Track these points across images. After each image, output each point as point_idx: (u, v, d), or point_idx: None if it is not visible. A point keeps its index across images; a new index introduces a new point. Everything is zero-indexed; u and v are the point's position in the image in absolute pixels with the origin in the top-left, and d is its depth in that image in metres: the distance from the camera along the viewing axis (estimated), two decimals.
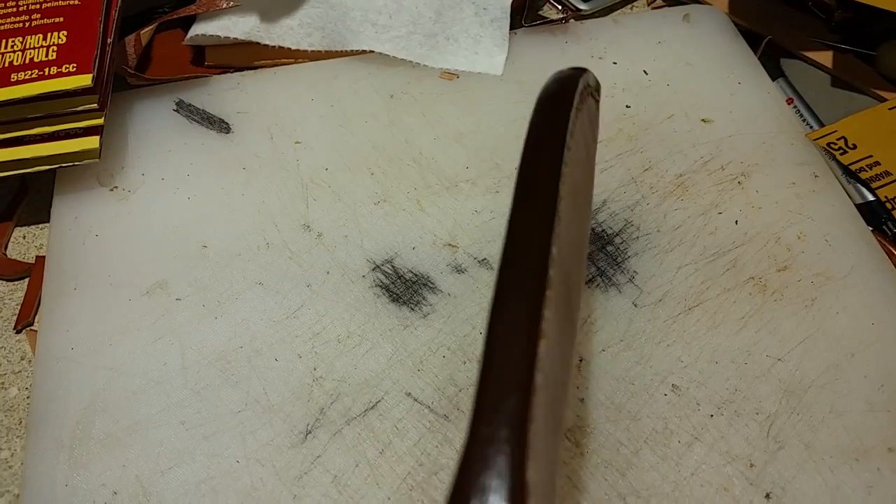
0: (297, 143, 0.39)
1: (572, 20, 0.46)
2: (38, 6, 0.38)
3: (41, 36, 0.37)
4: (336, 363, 0.32)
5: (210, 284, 0.34)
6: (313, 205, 0.37)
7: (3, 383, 0.34)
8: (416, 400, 0.31)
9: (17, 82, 0.35)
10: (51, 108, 0.36)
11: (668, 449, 0.30)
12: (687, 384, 0.31)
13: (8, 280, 0.37)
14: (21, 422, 0.33)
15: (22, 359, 0.35)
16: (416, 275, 0.35)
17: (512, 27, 0.44)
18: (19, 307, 0.36)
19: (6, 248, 0.38)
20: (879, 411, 0.31)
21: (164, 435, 0.30)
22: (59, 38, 0.37)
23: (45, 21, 0.37)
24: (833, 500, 0.29)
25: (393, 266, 0.35)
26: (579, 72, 0.23)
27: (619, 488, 0.29)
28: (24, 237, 0.39)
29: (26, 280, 0.37)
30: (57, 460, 0.29)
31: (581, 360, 0.32)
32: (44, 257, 0.37)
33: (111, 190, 0.38)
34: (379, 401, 0.31)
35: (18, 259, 0.38)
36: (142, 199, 0.37)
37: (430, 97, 0.41)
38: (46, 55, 0.36)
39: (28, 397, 0.33)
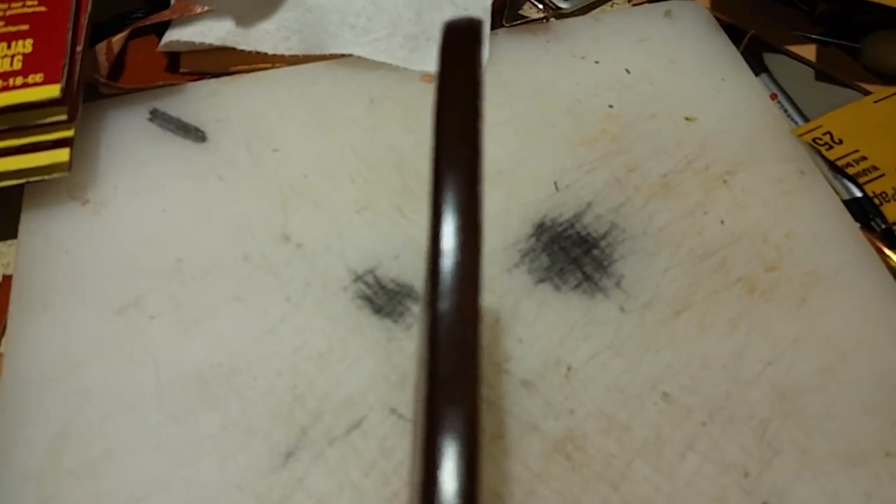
0: (276, 150, 0.38)
1: (553, 19, 0.45)
2: (1, 14, 0.37)
3: (5, 45, 0.35)
4: (317, 380, 0.31)
5: (185, 301, 0.33)
6: (292, 214, 0.36)
7: None
8: (400, 416, 0.30)
9: None
10: (17, 120, 0.34)
11: (662, 460, 0.29)
12: (678, 391, 0.31)
13: None
14: None
15: None
16: (399, 285, 0.34)
17: (493, 27, 0.43)
18: None
19: None
20: (875, 414, 0.31)
21: (138, 462, 0.29)
22: (24, 46, 0.35)
23: (10, 29, 0.36)
24: None
25: (375, 276, 0.34)
26: (478, 23, 0.21)
27: (612, 502, 0.28)
28: None
29: None
30: (25, 492, 0.28)
31: (569, 369, 0.31)
32: (10, 276, 0.36)
33: (83, 204, 0.36)
34: (363, 419, 0.30)
35: None
36: (114, 212, 0.36)
37: (412, 100, 0.40)
38: (11, 65, 0.35)
39: None
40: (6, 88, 0.34)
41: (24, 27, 0.36)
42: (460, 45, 0.21)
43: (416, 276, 0.34)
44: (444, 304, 0.18)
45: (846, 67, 0.44)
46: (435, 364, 0.17)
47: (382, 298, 0.33)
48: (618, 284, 0.34)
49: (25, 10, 0.37)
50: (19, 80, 0.34)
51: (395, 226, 0.36)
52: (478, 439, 0.17)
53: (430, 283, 0.18)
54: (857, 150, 0.39)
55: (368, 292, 0.34)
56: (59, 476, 0.28)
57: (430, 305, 0.18)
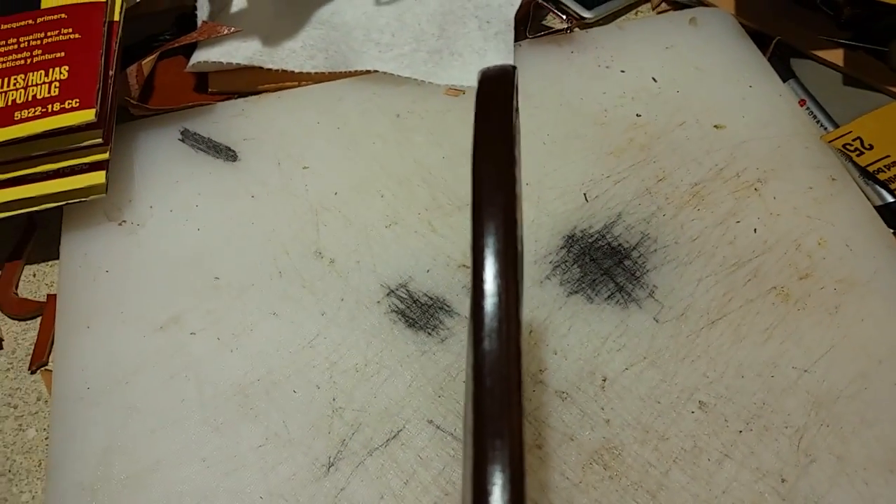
0: (305, 167, 0.39)
1: (577, 29, 0.45)
2: (38, 42, 0.38)
3: (43, 72, 0.37)
4: (355, 393, 0.32)
5: (224, 317, 0.34)
6: (324, 230, 0.37)
7: (21, 425, 0.33)
8: (438, 427, 0.31)
9: (21, 120, 0.35)
10: (55, 144, 0.35)
11: (698, 468, 0.29)
12: (714, 400, 0.31)
13: (20, 320, 0.37)
14: (40, 463, 0.32)
15: (38, 399, 0.34)
16: (431, 298, 0.34)
17: (516, 39, 0.43)
18: (33, 347, 0.36)
19: (17, 286, 0.38)
20: None
21: (185, 474, 0.30)
22: (60, 73, 0.36)
23: (47, 57, 0.37)
24: None
25: (408, 290, 0.35)
26: (512, 70, 0.22)
27: None
28: (35, 275, 0.38)
29: (38, 319, 0.37)
30: (80, 503, 0.29)
31: (605, 380, 0.31)
32: (55, 295, 0.37)
33: (119, 224, 0.37)
34: (401, 430, 0.31)
35: (30, 298, 0.37)
36: (151, 232, 0.37)
37: (437, 114, 0.41)
38: (49, 91, 0.36)
39: (46, 438, 0.33)
40: (45, 114, 0.35)
41: (61, 54, 0.37)
42: (495, 95, 0.21)
43: (447, 289, 0.34)
44: (489, 344, 0.18)
45: (874, 71, 0.44)
46: (480, 398, 0.18)
47: (416, 312, 0.34)
48: (651, 295, 0.34)
49: (61, 37, 0.38)
50: (57, 106, 0.35)
51: (425, 240, 0.36)
52: (523, 471, 0.17)
53: (474, 323, 0.19)
54: (888, 156, 0.39)
55: (402, 306, 0.34)
56: (111, 487, 0.29)
57: (475, 346, 0.18)
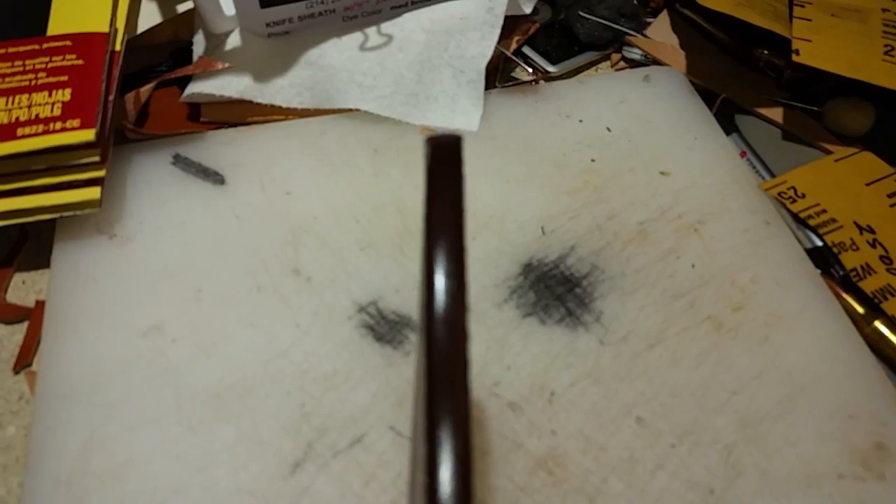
0: (288, 193, 0.42)
1: (542, 81, 0.49)
2: (43, 66, 0.41)
3: (46, 93, 0.39)
4: (323, 399, 0.34)
5: (204, 326, 0.36)
6: (303, 250, 0.39)
7: (0, 423, 0.35)
8: (398, 433, 0.33)
9: (24, 136, 0.37)
10: (55, 160, 0.38)
11: (634, 477, 0.32)
12: (650, 416, 0.34)
13: (7, 323, 0.39)
14: (18, 460, 0.34)
15: (20, 398, 0.36)
16: (399, 316, 0.37)
17: (486, 87, 0.47)
18: (18, 349, 0.38)
19: (6, 292, 0.40)
20: (830, 440, 0.34)
21: (159, 469, 0.32)
22: (63, 95, 0.39)
23: (51, 79, 0.40)
24: None
25: (377, 307, 0.37)
26: (458, 139, 0.26)
27: None
28: (24, 282, 0.41)
29: (25, 323, 0.39)
30: (55, 495, 0.31)
31: (552, 394, 0.34)
32: (43, 301, 0.39)
33: (110, 238, 0.40)
34: (364, 435, 0.33)
35: (18, 303, 0.39)
36: (139, 246, 0.39)
37: (412, 150, 0.44)
38: (51, 111, 0.39)
39: (26, 435, 0.35)
40: (47, 132, 0.38)
41: (64, 78, 0.40)
42: (445, 163, 0.24)
43: (414, 308, 0.37)
44: (439, 328, 0.21)
45: (810, 129, 0.49)
46: (432, 376, 0.20)
47: (384, 327, 0.37)
48: (597, 320, 0.37)
49: (65, 62, 0.41)
50: (59, 125, 0.38)
51: (395, 263, 0.39)
52: (470, 437, 0.20)
53: (426, 310, 0.22)
54: (818, 204, 0.43)
55: (371, 322, 0.37)
56: (86, 480, 0.31)
57: (426, 329, 0.21)
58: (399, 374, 0.35)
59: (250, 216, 0.41)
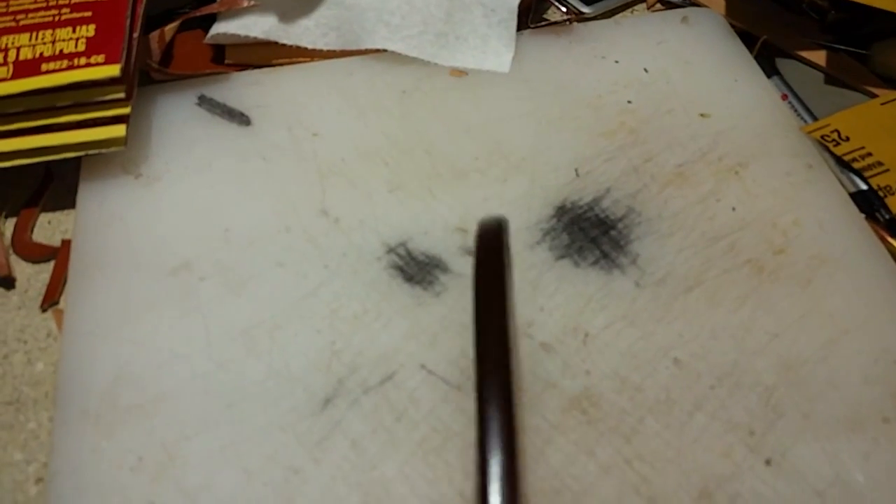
0: (315, 135, 0.41)
1: (576, 23, 0.48)
2: (67, 2, 0.40)
3: (70, 29, 0.39)
4: (353, 338, 0.33)
5: (232, 265, 0.36)
6: (330, 192, 0.39)
7: (29, 359, 0.35)
8: (430, 372, 0.32)
9: (48, 72, 0.37)
10: (79, 97, 0.37)
11: (671, 418, 0.31)
12: (688, 358, 0.33)
13: (34, 262, 0.39)
14: (47, 395, 0.34)
15: (48, 336, 0.36)
16: (428, 257, 0.36)
17: (518, 28, 0.46)
18: (45, 287, 0.37)
19: (32, 232, 0.40)
20: (874, 384, 0.32)
21: (188, 404, 0.31)
22: (87, 31, 0.39)
23: (74, 15, 0.39)
24: (832, 467, 0.30)
25: (406, 249, 0.37)
26: (503, 224, 0.29)
27: (624, 453, 0.30)
28: (50, 222, 0.40)
29: (51, 263, 0.38)
30: (84, 428, 0.31)
31: (587, 335, 0.33)
32: (69, 241, 0.38)
33: (136, 178, 0.39)
34: (394, 373, 0.32)
35: (44, 243, 0.39)
36: (166, 186, 0.39)
37: (441, 93, 0.43)
38: (76, 47, 0.38)
39: (54, 372, 0.35)
40: (71, 67, 0.37)
41: (88, 14, 0.39)
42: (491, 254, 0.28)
43: (444, 249, 0.37)
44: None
45: (854, 72, 0.47)
46: None
47: (413, 268, 0.36)
48: (633, 262, 0.36)
49: None
50: (83, 61, 0.37)
51: (424, 205, 0.38)
52: None
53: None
54: (863, 147, 0.41)
55: (400, 263, 0.36)
56: (114, 415, 0.31)
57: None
58: (429, 314, 0.34)
59: (277, 158, 0.40)
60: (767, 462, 0.30)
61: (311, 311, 0.34)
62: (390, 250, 0.37)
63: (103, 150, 0.38)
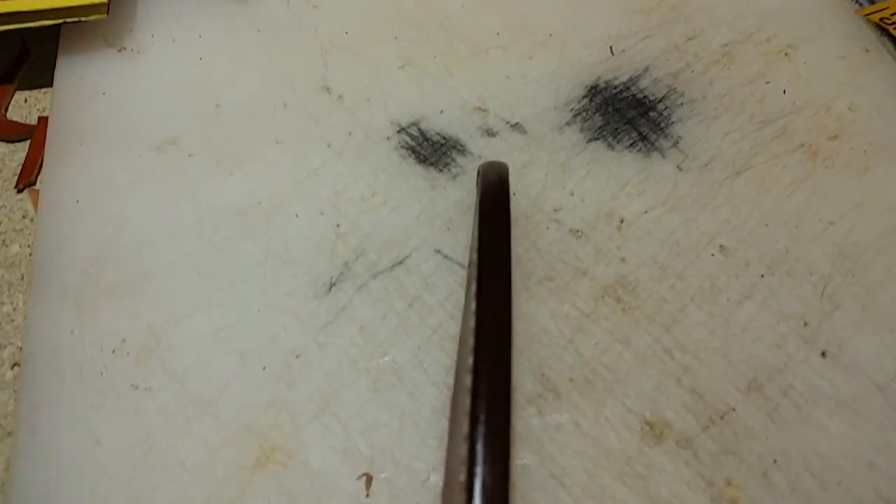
0: (315, 6, 0.37)
1: None
2: None
3: None
4: (360, 220, 0.30)
5: (225, 142, 0.32)
6: (333, 67, 0.35)
7: (3, 241, 0.32)
8: (445, 257, 0.29)
9: None
10: None
11: (717, 306, 0.28)
12: (736, 245, 0.29)
13: (8, 141, 0.35)
14: (23, 277, 0.31)
15: (24, 217, 0.33)
16: (444, 137, 0.33)
17: None
18: (20, 167, 0.34)
19: (6, 110, 0.36)
20: None
21: (177, 285, 0.28)
22: None
23: None
24: (893, 361, 0.27)
25: (419, 128, 0.33)
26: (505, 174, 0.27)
27: (663, 343, 0.27)
28: (26, 100, 0.36)
29: (27, 142, 0.35)
30: (62, 309, 0.28)
31: (622, 221, 0.30)
32: (46, 117, 0.35)
33: (119, 51, 0.35)
34: (406, 257, 0.29)
35: (19, 121, 0.35)
36: (151, 58, 0.35)
37: None
38: None
39: (30, 254, 0.31)
40: None
41: None
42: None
43: (461, 129, 0.33)
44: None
45: None
46: None
47: (427, 150, 0.32)
48: (675, 145, 0.32)
49: None
50: None
51: (439, 82, 0.34)
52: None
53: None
54: None
55: (412, 143, 0.32)
56: (95, 294, 0.28)
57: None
58: (445, 197, 0.31)
59: (274, 30, 0.36)
60: (823, 354, 0.27)
61: (312, 193, 0.31)
62: (401, 130, 0.33)
63: (83, 19, 0.34)
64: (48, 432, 0.25)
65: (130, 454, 0.24)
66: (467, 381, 0.21)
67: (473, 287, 0.24)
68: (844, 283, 0.29)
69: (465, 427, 0.20)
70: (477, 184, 0.28)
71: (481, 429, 0.19)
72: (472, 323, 0.23)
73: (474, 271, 0.24)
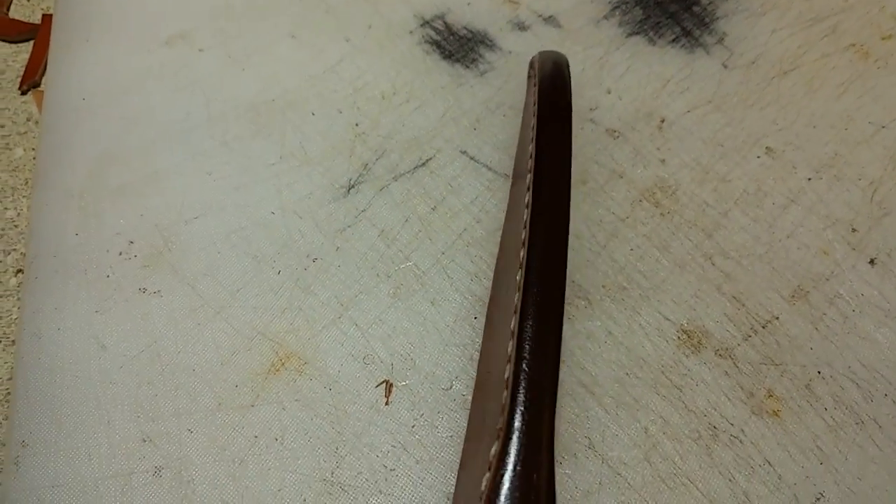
0: None
1: None
2: None
3: None
4: (381, 119, 0.28)
5: (236, 36, 0.30)
6: None
7: (7, 144, 0.30)
8: (472, 158, 0.27)
9: None
10: None
11: (762, 210, 0.26)
12: (783, 147, 0.28)
13: (11, 42, 0.33)
14: (27, 182, 0.29)
15: (28, 120, 0.31)
16: (471, 31, 0.30)
17: None
18: (24, 68, 0.32)
19: (8, 8, 0.34)
20: None
21: (187, 184, 0.27)
22: None
23: None
24: None
25: (445, 22, 0.31)
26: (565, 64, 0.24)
27: (704, 248, 0.25)
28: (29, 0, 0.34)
29: (31, 43, 0.33)
30: (67, 210, 0.26)
31: (663, 121, 0.28)
32: (51, 15, 0.33)
33: None
34: (430, 158, 0.27)
35: (22, 20, 0.33)
36: None
37: None
38: None
39: (34, 158, 0.30)
40: None
41: None
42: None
43: (490, 23, 0.31)
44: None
45: None
46: None
47: (453, 44, 0.30)
48: (720, 41, 0.30)
49: None
50: None
51: None
52: None
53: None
54: None
55: (437, 37, 0.30)
56: (101, 195, 0.26)
57: None
58: (472, 95, 0.29)
59: None
60: (871, 262, 0.25)
61: (329, 89, 0.29)
62: (425, 23, 0.31)
63: None
64: (52, 337, 0.24)
65: (137, 360, 0.23)
66: (517, 276, 0.19)
67: (523, 190, 0.22)
68: (895, 190, 0.27)
69: (512, 323, 0.18)
70: (530, 76, 0.25)
71: (532, 323, 0.18)
72: (516, 225, 0.21)
73: (522, 179, 0.22)
